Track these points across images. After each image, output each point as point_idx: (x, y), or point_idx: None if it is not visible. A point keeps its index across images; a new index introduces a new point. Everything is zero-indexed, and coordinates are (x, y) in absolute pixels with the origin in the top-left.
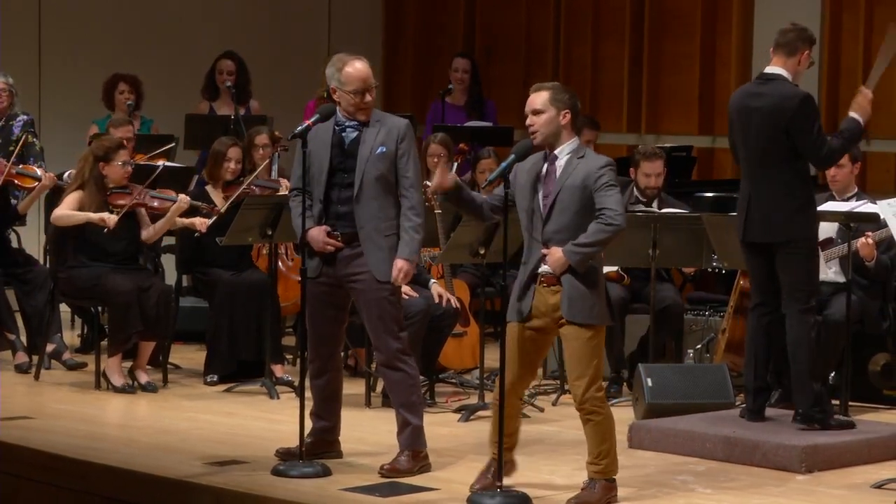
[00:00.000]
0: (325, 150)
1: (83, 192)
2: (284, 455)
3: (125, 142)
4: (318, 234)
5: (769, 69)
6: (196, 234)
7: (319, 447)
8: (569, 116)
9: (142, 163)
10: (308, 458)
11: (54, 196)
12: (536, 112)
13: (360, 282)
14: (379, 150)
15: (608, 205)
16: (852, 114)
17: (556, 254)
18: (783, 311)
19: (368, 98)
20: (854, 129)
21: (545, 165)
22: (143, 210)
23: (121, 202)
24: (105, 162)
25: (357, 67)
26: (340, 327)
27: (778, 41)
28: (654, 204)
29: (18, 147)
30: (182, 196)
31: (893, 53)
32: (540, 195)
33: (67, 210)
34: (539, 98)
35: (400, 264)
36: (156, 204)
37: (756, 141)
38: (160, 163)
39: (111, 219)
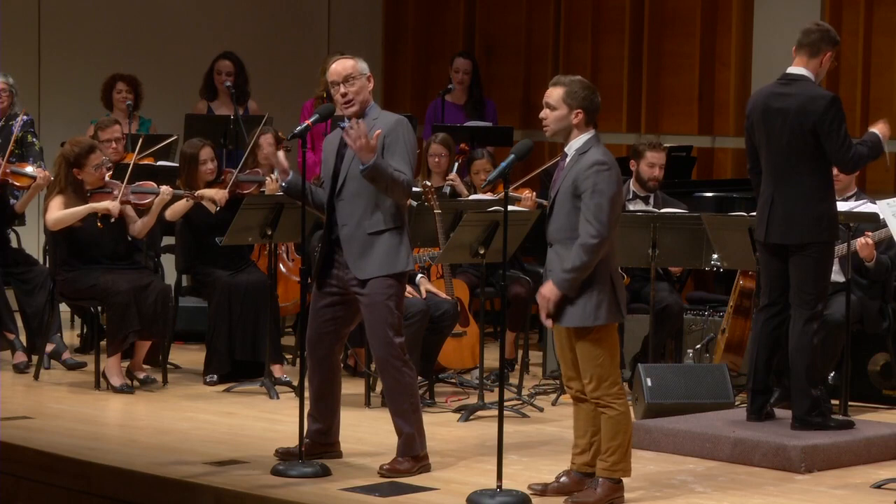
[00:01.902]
0: (332, 156)
1: (64, 197)
2: (284, 455)
3: (114, 142)
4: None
5: (792, 69)
6: (218, 209)
7: (316, 449)
8: (581, 116)
9: (125, 162)
10: (306, 458)
11: None
12: (549, 106)
13: (356, 284)
14: None
15: (585, 218)
16: (873, 129)
17: (545, 293)
18: (791, 311)
19: (342, 90)
20: (875, 143)
21: (559, 162)
22: (128, 206)
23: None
24: (78, 168)
25: (336, 62)
26: (338, 330)
27: (801, 41)
28: (651, 201)
29: (11, 143)
30: (164, 188)
31: None
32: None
33: (60, 211)
34: (554, 93)
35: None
36: (137, 199)
37: (780, 142)
38: (135, 160)
39: (115, 207)
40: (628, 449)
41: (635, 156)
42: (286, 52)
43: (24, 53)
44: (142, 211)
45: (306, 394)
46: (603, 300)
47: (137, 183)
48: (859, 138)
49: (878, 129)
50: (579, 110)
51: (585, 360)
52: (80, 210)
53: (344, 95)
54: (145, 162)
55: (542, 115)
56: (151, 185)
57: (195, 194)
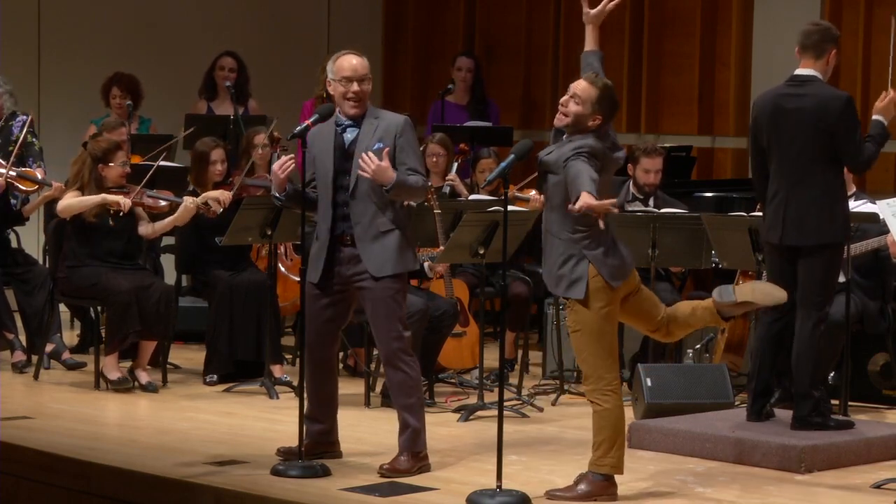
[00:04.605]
0: (328, 154)
1: (83, 193)
2: (285, 454)
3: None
4: (276, 167)
5: (801, 71)
6: (220, 211)
7: (317, 448)
8: (598, 122)
9: (139, 163)
10: (307, 458)
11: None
12: (576, 98)
13: (365, 280)
14: (375, 147)
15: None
16: (876, 117)
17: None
18: (798, 312)
19: (356, 87)
20: (881, 132)
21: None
22: (140, 208)
23: None
24: (104, 164)
25: (350, 58)
26: (337, 329)
27: (804, 43)
28: (651, 202)
29: (17, 148)
30: (189, 198)
31: None
32: None
33: (73, 199)
34: (586, 89)
35: (383, 163)
36: (152, 202)
37: (794, 143)
38: (159, 162)
39: (126, 202)
40: (615, 445)
41: (632, 160)
42: (286, 52)
43: (24, 53)
44: (153, 215)
45: (306, 394)
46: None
47: (156, 189)
48: (868, 134)
49: (880, 112)
50: (599, 116)
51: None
52: (92, 199)
53: (356, 93)
54: (145, 162)
55: (563, 100)
56: (169, 193)
57: (210, 209)
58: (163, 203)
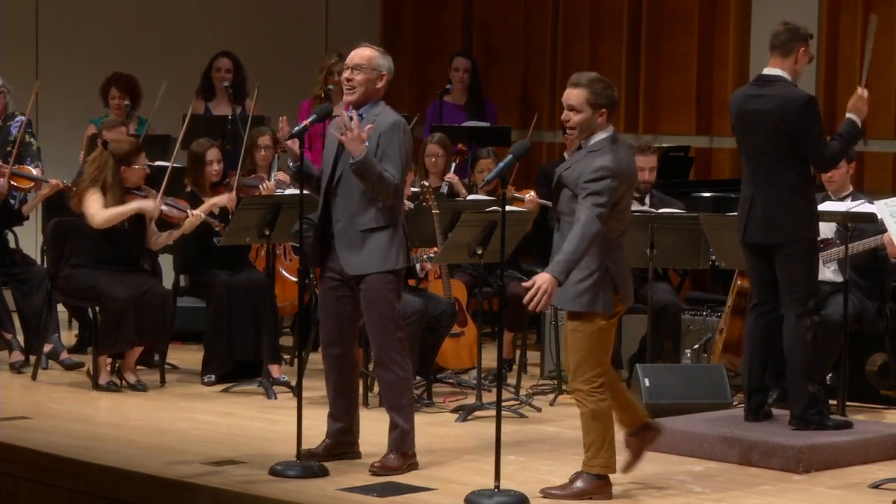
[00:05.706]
0: (333, 145)
1: (104, 193)
2: (307, 457)
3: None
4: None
5: (767, 71)
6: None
7: (338, 448)
8: (605, 115)
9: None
10: (327, 458)
11: (56, 198)
12: (572, 109)
13: (355, 279)
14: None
15: (580, 211)
16: (849, 115)
17: (540, 282)
18: (782, 311)
19: (347, 75)
20: (852, 130)
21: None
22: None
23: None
24: (126, 165)
25: (357, 48)
26: (353, 324)
27: (772, 43)
28: (647, 200)
29: (16, 148)
30: (195, 212)
31: (873, 43)
32: None
33: (109, 211)
34: (576, 95)
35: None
36: (167, 210)
37: (758, 142)
38: (166, 163)
39: (155, 208)
40: (604, 446)
41: None
42: (284, 52)
43: (23, 53)
44: (163, 224)
45: (305, 394)
46: (608, 289)
47: (172, 197)
48: (837, 132)
49: (852, 110)
50: (603, 110)
51: (569, 349)
52: (128, 209)
53: (347, 80)
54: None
55: (564, 117)
56: (185, 204)
57: (217, 223)
58: (177, 212)
